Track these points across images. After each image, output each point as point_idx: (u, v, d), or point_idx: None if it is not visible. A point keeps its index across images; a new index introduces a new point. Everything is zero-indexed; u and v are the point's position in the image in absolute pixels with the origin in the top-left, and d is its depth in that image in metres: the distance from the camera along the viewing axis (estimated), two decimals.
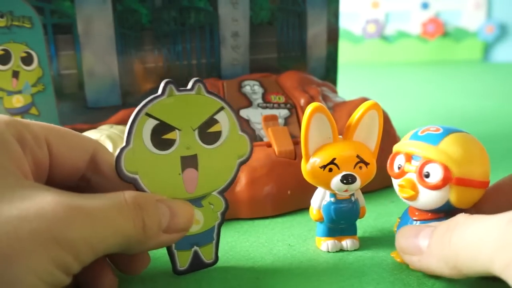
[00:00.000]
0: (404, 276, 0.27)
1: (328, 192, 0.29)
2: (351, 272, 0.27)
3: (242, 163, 0.27)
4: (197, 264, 0.27)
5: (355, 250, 0.30)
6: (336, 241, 0.30)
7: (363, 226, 0.33)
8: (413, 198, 0.26)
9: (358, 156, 0.28)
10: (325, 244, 0.30)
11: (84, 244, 0.20)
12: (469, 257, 0.21)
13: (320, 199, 0.29)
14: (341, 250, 0.30)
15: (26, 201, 0.19)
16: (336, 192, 0.28)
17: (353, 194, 0.29)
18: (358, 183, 0.28)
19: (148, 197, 0.23)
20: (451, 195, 0.25)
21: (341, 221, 0.29)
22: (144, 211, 0.22)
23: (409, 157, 0.26)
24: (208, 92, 0.25)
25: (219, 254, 0.28)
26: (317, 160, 0.28)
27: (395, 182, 0.27)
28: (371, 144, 0.29)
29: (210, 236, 0.27)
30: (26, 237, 0.18)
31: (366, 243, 0.31)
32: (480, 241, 0.20)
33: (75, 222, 0.19)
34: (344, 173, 0.27)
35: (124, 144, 0.23)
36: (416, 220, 0.27)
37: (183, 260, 0.27)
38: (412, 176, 0.25)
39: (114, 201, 0.22)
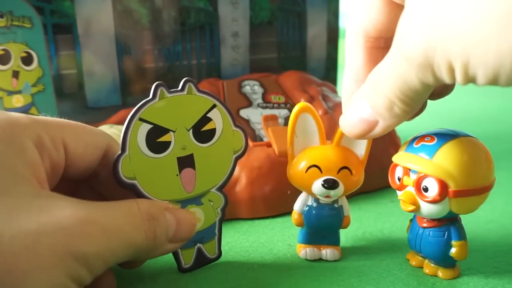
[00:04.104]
0: (404, 276, 0.27)
1: (310, 197, 0.28)
2: (351, 272, 0.27)
3: (238, 158, 0.27)
4: (201, 260, 0.28)
5: (354, 250, 0.30)
6: (315, 249, 0.29)
7: (363, 226, 0.33)
8: (415, 211, 0.26)
9: (342, 162, 0.27)
10: (304, 251, 0.29)
11: (98, 257, 0.20)
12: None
13: (302, 203, 0.28)
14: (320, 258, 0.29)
15: (44, 213, 0.19)
16: (318, 197, 0.28)
17: (337, 201, 0.28)
18: (340, 189, 0.27)
19: (159, 207, 0.23)
20: (451, 206, 0.25)
21: (322, 228, 0.28)
22: (156, 221, 0.23)
23: (407, 170, 0.26)
24: (199, 91, 0.25)
25: None
26: (300, 162, 0.27)
27: (398, 193, 0.27)
28: (360, 151, 0.28)
29: (212, 232, 0.27)
30: (44, 252, 0.18)
31: (366, 243, 0.31)
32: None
33: (92, 237, 0.20)
34: (326, 177, 0.27)
35: (120, 151, 0.23)
36: (425, 227, 0.27)
37: (187, 257, 0.27)
38: (411, 189, 0.25)
39: (128, 212, 0.22)
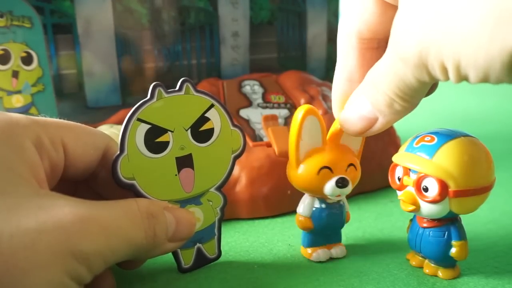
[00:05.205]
0: (404, 276, 0.27)
1: (316, 199, 0.28)
2: (351, 272, 0.27)
3: (237, 157, 0.27)
4: (201, 260, 0.28)
5: (354, 250, 0.30)
6: (326, 249, 0.29)
7: (363, 225, 0.33)
8: (415, 211, 0.26)
9: (348, 159, 0.27)
10: (316, 254, 0.29)
11: (98, 256, 0.20)
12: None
13: (309, 207, 0.28)
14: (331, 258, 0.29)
15: (43, 212, 0.19)
16: (329, 197, 0.27)
17: (340, 199, 0.29)
18: (350, 186, 0.27)
19: (158, 206, 0.23)
20: (451, 206, 0.25)
21: (331, 227, 0.29)
22: (155, 220, 0.23)
23: (407, 170, 0.26)
24: (197, 91, 0.25)
25: None
26: (310, 165, 0.27)
27: (398, 193, 0.27)
28: (356, 147, 0.29)
29: (212, 232, 0.28)
30: (43, 250, 0.18)
31: (366, 243, 0.31)
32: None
33: (91, 235, 0.20)
34: (338, 176, 0.27)
35: (118, 151, 0.23)
36: (425, 227, 0.26)
37: (187, 258, 0.27)
38: (412, 189, 0.25)
39: (127, 211, 0.22)
